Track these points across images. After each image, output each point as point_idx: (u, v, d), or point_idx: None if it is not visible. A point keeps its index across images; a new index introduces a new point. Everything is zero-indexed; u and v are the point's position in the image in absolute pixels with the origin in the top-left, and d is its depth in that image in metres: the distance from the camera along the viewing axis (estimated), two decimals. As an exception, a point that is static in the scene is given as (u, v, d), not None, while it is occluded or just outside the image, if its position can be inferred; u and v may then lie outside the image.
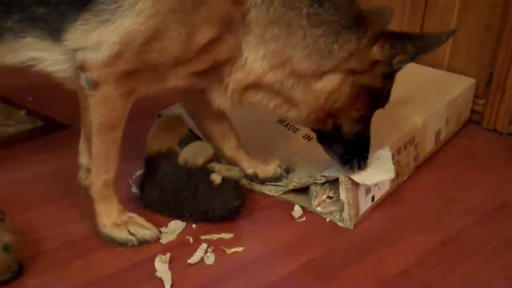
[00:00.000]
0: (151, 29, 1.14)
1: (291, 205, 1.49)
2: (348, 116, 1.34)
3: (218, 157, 1.46)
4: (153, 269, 1.25)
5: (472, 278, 1.31)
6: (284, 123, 1.71)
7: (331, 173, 1.43)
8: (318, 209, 1.44)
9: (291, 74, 1.26)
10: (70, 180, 1.45)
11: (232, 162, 1.53)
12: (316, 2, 1.23)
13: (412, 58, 1.30)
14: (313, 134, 1.66)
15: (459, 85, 1.97)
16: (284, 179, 1.53)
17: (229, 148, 1.53)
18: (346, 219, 1.42)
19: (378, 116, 1.70)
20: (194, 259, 1.29)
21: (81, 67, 1.18)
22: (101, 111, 1.23)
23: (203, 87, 1.31)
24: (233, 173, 1.41)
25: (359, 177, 1.39)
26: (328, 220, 1.46)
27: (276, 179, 1.54)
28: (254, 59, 1.25)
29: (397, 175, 1.56)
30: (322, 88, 1.28)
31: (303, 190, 1.51)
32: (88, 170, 1.33)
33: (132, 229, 1.31)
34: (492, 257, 1.38)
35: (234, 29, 1.21)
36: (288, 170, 1.56)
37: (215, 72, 1.26)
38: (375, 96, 1.34)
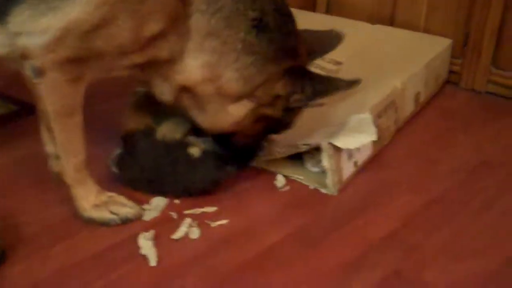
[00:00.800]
0: (98, 18, 1.12)
1: (273, 175, 1.48)
2: (242, 134, 1.37)
3: (197, 130, 1.43)
4: (137, 247, 1.23)
5: (457, 237, 1.31)
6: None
7: (313, 141, 1.42)
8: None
9: (217, 91, 1.28)
10: (47, 164, 1.42)
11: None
12: (253, 31, 1.24)
13: (309, 99, 1.33)
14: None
15: (436, 46, 1.96)
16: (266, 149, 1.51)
17: None
18: (329, 186, 1.41)
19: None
20: (178, 234, 1.27)
21: (24, 55, 1.15)
22: (52, 98, 1.20)
23: (146, 80, 1.31)
24: (211, 144, 1.38)
25: (341, 142, 1.38)
26: (312, 187, 1.44)
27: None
28: (193, 66, 1.25)
29: (378, 139, 1.54)
30: (233, 112, 1.31)
31: (285, 159, 1.49)
32: (57, 157, 1.30)
33: (114, 208, 1.29)
34: (475, 216, 1.38)
35: (179, 30, 1.20)
36: (268, 140, 1.53)
37: (156, 69, 1.26)
38: (273, 125, 1.38)
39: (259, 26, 1.25)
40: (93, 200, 1.28)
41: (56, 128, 1.23)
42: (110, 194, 1.32)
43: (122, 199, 1.31)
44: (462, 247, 1.28)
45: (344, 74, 1.77)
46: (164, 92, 1.30)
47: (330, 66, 1.84)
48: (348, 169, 1.45)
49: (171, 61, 1.24)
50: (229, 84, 1.27)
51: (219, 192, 1.41)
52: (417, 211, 1.38)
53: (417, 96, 1.78)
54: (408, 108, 1.73)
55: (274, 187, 1.45)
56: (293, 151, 1.45)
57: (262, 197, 1.42)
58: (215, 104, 1.30)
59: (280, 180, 1.46)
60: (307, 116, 1.54)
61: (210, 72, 1.26)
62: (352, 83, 1.33)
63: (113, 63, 1.20)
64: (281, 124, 1.40)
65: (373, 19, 2.13)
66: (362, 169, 1.52)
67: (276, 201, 1.41)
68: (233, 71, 1.26)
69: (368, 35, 2.02)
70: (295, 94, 1.32)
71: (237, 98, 1.29)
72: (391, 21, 2.13)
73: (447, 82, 2.04)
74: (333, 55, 1.88)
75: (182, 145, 1.38)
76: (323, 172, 1.41)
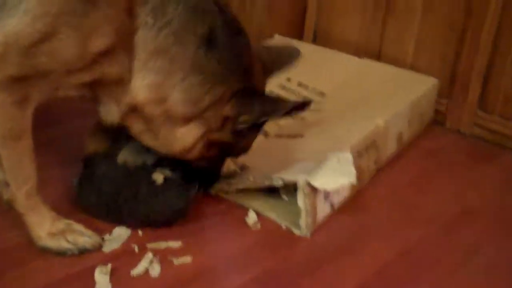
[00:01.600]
0: (38, 31, 1.03)
1: (245, 210, 1.41)
2: (196, 158, 1.31)
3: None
4: (93, 281, 1.15)
5: (432, 291, 1.24)
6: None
7: (289, 176, 1.35)
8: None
9: (164, 113, 1.20)
10: None
11: None
12: (202, 48, 1.17)
13: (257, 120, 1.27)
14: (270, 130, 1.59)
15: (422, 85, 1.90)
16: (238, 177, 1.44)
17: None
18: (302, 227, 1.35)
19: (338, 116, 1.65)
20: (138, 270, 1.19)
21: None
22: None
23: (94, 100, 1.23)
24: (179, 172, 1.31)
25: (319, 181, 1.31)
26: (284, 227, 1.38)
27: (229, 175, 1.44)
28: (140, 86, 1.17)
29: (357, 178, 1.48)
30: (182, 137, 1.24)
31: (258, 193, 1.43)
32: (7, 184, 1.22)
33: (71, 237, 1.21)
34: (453, 268, 1.32)
35: (127, 46, 1.13)
36: (242, 167, 1.47)
37: (105, 88, 1.18)
38: (226, 149, 1.32)
39: (208, 43, 1.18)
40: (48, 228, 1.21)
41: (4, 153, 1.15)
42: (67, 221, 1.24)
43: (80, 227, 1.24)
44: (436, 303, 1.22)
45: (326, 105, 1.73)
46: (110, 112, 1.22)
47: (313, 96, 1.79)
48: (323, 210, 1.39)
49: (119, 80, 1.16)
50: (176, 106, 1.19)
51: (186, 225, 1.34)
52: (391, 260, 1.32)
53: (399, 135, 1.72)
54: (390, 147, 1.67)
55: (244, 224, 1.38)
56: (266, 183, 1.38)
57: (231, 234, 1.35)
58: (164, 128, 1.23)
59: (251, 217, 1.39)
60: (284, 146, 1.48)
61: (156, 93, 1.18)
62: (303, 105, 1.25)
63: (60, 81, 1.12)
64: (235, 149, 1.33)
65: (360, 52, 2.08)
66: (338, 211, 1.45)
67: (245, 240, 1.34)
68: (180, 92, 1.18)
69: (354, 68, 1.97)
70: (243, 115, 1.25)
71: (186, 121, 1.22)
72: (378, 56, 2.08)
73: (432, 121, 1.98)
74: (316, 85, 1.84)
75: (144, 171, 1.30)
76: (295, 204, 1.34)
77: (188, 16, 1.15)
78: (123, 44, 1.11)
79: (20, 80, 1.08)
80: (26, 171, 1.18)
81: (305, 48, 2.10)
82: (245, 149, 1.36)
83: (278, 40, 2.14)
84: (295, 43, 2.13)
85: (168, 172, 1.30)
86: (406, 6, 1.99)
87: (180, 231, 1.32)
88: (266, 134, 1.59)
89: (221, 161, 1.38)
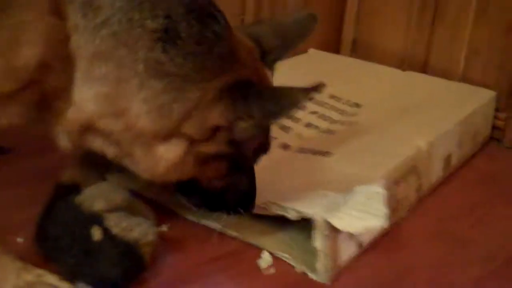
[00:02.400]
0: None
1: (257, 252, 1.19)
2: (201, 178, 1.09)
3: (134, 209, 1.14)
4: None
5: None
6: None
7: (305, 209, 1.13)
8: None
9: (128, 129, 0.99)
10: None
11: None
12: (159, 44, 0.94)
13: (261, 124, 1.04)
14: (292, 142, 1.38)
15: (476, 99, 1.67)
16: None
17: None
18: (320, 272, 1.12)
19: (373, 132, 1.42)
20: (120, 329, 0.99)
21: None
22: None
23: (43, 127, 1.03)
24: (139, 232, 1.06)
25: (341, 222, 1.08)
26: (299, 270, 1.15)
27: None
28: (84, 99, 0.96)
29: (394, 211, 1.25)
30: (163, 155, 1.01)
31: (270, 228, 1.21)
32: None
33: (40, 291, 1.02)
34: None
35: (63, 55, 0.93)
36: None
37: (47, 108, 0.98)
38: (231, 161, 1.08)
39: (166, 37, 0.95)
40: (13, 281, 1.01)
41: None
42: (38, 271, 1.04)
43: (53, 279, 1.04)
44: None
45: (362, 119, 1.52)
46: (61, 134, 1.03)
47: (346, 108, 1.59)
48: (347, 251, 1.16)
49: (62, 96, 0.96)
50: (140, 120, 0.97)
51: (187, 270, 1.13)
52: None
53: (447, 158, 1.48)
54: (434, 173, 1.43)
55: (256, 268, 1.16)
56: (278, 213, 1.16)
57: (238, 281, 1.13)
58: (138, 149, 1.02)
59: (265, 259, 1.17)
60: (305, 165, 1.26)
61: (110, 105, 0.97)
62: (313, 89, 0.98)
63: None
64: (242, 158, 1.10)
65: (405, 64, 1.88)
66: (368, 250, 1.22)
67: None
68: (140, 102, 0.96)
69: (396, 81, 1.77)
70: (240, 121, 1.02)
71: (162, 138, 1.00)
72: (424, 67, 1.87)
73: (489, 139, 1.73)
74: (352, 97, 1.63)
75: (92, 220, 1.06)
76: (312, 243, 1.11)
77: (130, 8, 0.94)
78: (57, 53, 0.92)
79: None
80: None
81: (342, 61, 1.94)
82: (264, 150, 1.13)
83: (312, 54, 1.94)
84: (331, 57, 1.94)
85: (121, 230, 1.06)
86: (458, 8, 1.79)
87: (179, 278, 1.12)
88: (285, 147, 1.38)
89: (245, 174, 1.14)
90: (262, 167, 1.18)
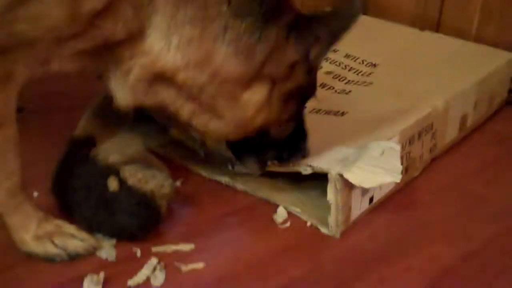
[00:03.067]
0: None
1: (271, 207, 1.19)
2: (278, 121, 1.09)
3: (149, 163, 1.13)
4: (85, 291, 0.97)
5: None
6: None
7: (320, 164, 1.12)
8: None
9: (213, 77, 0.97)
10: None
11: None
12: None
13: (330, 46, 1.05)
14: (307, 105, 1.37)
15: (492, 61, 1.63)
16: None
17: None
18: (332, 226, 1.12)
19: (389, 91, 1.41)
20: (137, 279, 0.99)
21: None
22: None
23: (99, 73, 1.00)
24: (154, 184, 1.06)
25: (354, 176, 1.07)
26: (309, 224, 1.16)
27: (221, 159, 1.21)
28: (164, 47, 0.94)
29: (406, 169, 1.24)
30: (250, 99, 1.01)
31: (285, 186, 1.22)
32: None
33: (60, 241, 1.02)
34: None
35: (134, 1, 0.90)
36: None
37: (110, 53, 0.95)
38: (304, 93, 1.10)
39: None
40: (34, 230, 1.02)
41: None
42: (58, 222, 1.05)
43: (72, 229, 1.05)
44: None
45: (378, 78, 1.50)
46: (123, 91, 1.00)
47: (362, 68, 1.57)
48: (359, 206, 1.16)
49: (130, 42, 0.93)
50: (225, 65, 0.96)
51: (203, 223, 1.14)
52: (451, 268, 1.07)
53: (463, 119, 1.46)
54: (450, 133, 1.42)
55: (272, 222, 1.16)
56: (292, 170, 1.16)
57: (254, 234, 1.14)
58: (221, 98, 1.00)
59: (280, 214, 1.17)
60: (320, 124, 1.26)
61: (193, 52, 0.94)
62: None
63: (49, 52, 0.92)
64: (311, 87, 1.12)
65: (416, 23, 1.84)
66: (380, 207, 1.21)
67: (271, 242, 1.12)
68: (225, 45, 0.95)
69: (412, 40, 1.73)
70: (312, 48, 1.03)
71: (247, 81, 0.99)
72: (436, 26, 1.84)
73: (505, 103, 1.71)
74: (367, 56, 1.61)
75: (108, 171, 1.06)
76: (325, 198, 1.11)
77: None
78: None
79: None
80: (9, 164, 0.99)
81: (358, 20, 1.88)
82: (315, 82, 1.13)
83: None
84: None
85: (137, 181, 1.05)
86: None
87: (195, 231, 1.12)
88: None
89: (300, 113, 1.14)
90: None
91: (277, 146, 1.13)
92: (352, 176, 1.07)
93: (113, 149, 1.10)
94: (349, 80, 1.51)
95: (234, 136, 1.08)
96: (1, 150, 0.97)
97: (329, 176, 1.09)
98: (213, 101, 1.01)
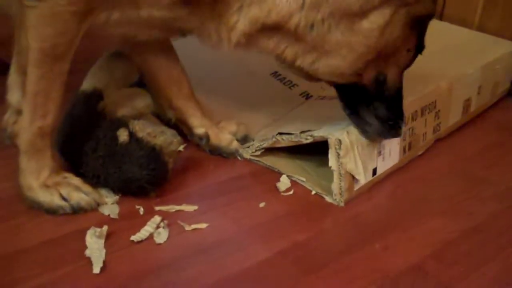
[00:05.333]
0: None
1: (277, 175, 1.19)
2: (397, 62, 1.06)
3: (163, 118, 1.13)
4: (85, 245, 0.96)
5: (501, 279, 1.00)
6: (280, 76, 1.42)
7: (319, 132, 1.13)
8: None
9: (329, 16, 0.96)
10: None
11: (180, 116, 1.22)
12: None
13: None
14: (312, 92, 1.37)
15: (497, 48, 1.64)
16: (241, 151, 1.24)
17: (179, 96, 1.21)
18: (335, 193, 1.12)
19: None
20: (139, 235, 0.99)
21: None
22: (45, 32, 0.92)
23: (190, 26, 0.99)
24: (163, 140, 1.06)
25: (353, 136, 1.10)
26: (314, 192, 1.16)
27: (227, 153, 1.24)
28: None
29: (409, 146, 1.25)
30: (371, 26, 0.98)
31: (291, 157, 1.22)
32: (19, 112, 1.03)
33: (65, 192, 1.02)
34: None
35: None
36: (245, 139, 1.26)
37: (211, 8, 0.95)
38: (423, 31, 1.07)
39: None
40: (43, 178, 1.02)
41: (35, 74, 0.95)
42: (65, 174, 1.05)
43: (77, 181, 1.04)
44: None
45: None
46: (220, 41, 0.99)
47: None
48: (363, 176, 1.15)
49: None
50: None
51: (206, 187, 1.14)
52: (452, 241, 1.08)
53: (467, 103, 1.46)
54: (453, 115, 1.42)
55: (275, 190, 1.16)
56: (293, 143, 1.17)
57: (258, 199, 1.13)
58: (335, 32, 0.97)
59: (284, 182, 1.17)
60: (323, 107, 1.30)
61: None
62: None
63: None
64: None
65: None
66: (385, 180, 1.22)
67: (274, 207, 1.12)
68: None
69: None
70: None
71: (365, 11, 0.96)
72: (440, 15, 1.82)
73: (508, 93, 1.71)
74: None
75: (116, 124, 1.06)
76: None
77: None
78: None
79: None
80: (50, 102, 0.98)
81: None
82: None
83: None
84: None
85: (146, 135, 1.05)
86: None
87: (197, 193, 1.12)
88: (307, 96, 1.38)
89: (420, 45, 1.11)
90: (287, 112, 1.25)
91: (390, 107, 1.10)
92: (352, 135, 1.09)
93: (121, 103, 1.09)
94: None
95: (348, 72, 1.04)
96: (49, 84, 0.96)
97: (329, 141, 1.09)
98: (325, 37, 0.98)
